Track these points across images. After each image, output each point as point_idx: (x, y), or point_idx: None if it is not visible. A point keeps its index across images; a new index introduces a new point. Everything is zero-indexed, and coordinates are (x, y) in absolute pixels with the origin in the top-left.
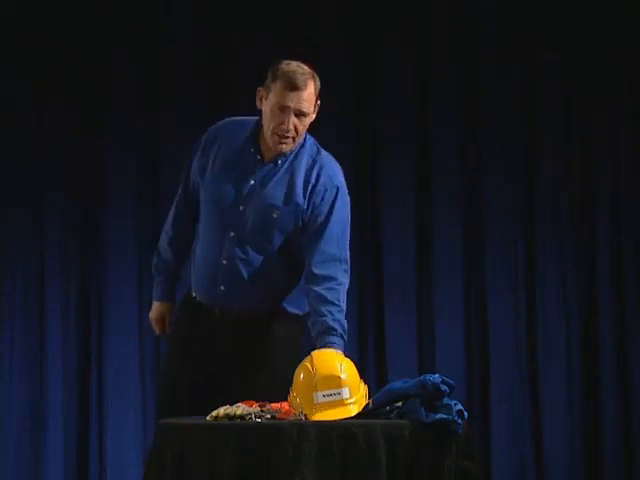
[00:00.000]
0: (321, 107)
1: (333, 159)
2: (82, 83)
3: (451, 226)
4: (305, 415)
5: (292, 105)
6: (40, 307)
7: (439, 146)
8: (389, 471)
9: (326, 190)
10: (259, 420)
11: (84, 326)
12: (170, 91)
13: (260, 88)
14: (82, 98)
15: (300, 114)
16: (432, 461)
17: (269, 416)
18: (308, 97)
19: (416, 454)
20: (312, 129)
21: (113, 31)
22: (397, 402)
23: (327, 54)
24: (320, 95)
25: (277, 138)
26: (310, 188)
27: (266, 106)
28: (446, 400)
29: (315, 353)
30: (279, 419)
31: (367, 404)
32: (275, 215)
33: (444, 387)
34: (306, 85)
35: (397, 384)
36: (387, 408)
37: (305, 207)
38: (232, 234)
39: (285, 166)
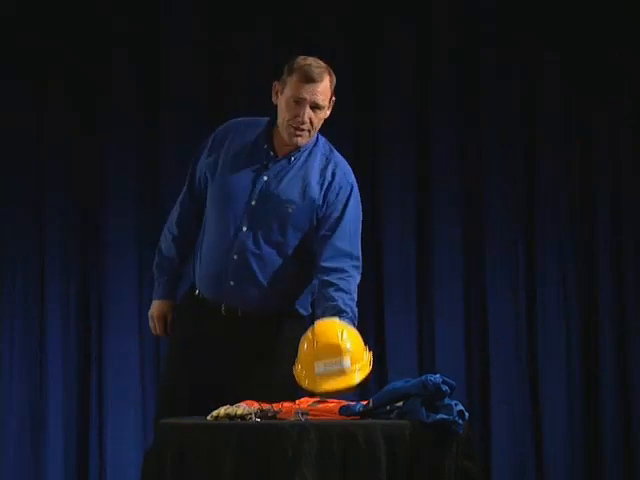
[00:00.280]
0: None
1: (344, 159)
2: (82, 83)
3: (451, 226)
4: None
5: (308, 97)
6: (40, 307)
7: (439, 146)
8: (389, 471)
9: (341, 187)
10: (259, 420)
11: (84, 326)
12: (170, 91)
13: (276, 82)
14: (82, 98)
15: (315, 107)
16: (432, 461)
17: (269, 416)
18: (323, 90)
19: (416, 454)
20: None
21: (113, 31)
22: (398, 402)
23: (327, 54)
24: (335, 92)
25: (292, 130)
26: (326, 185)
27: (282, 100)
28: (447, 400)
29: (318, 323)
30: (279, 419)
31: (367, 403)
32: (290, 210)
33: (445, 387)
34: (322, 78)
35: (398, 383)
36: (388, 408)
37: (320, 203)
38: (244, 229)
39: (299, 163)
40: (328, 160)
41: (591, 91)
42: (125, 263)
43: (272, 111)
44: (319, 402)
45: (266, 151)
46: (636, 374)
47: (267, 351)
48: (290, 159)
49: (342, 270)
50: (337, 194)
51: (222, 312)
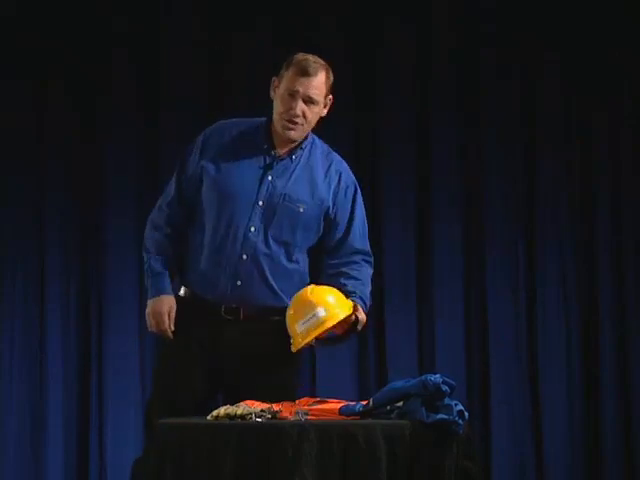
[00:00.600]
0: None
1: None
2: (82, 83)
3: (451, 226)
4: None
5: (301, 90)
6: (40, 307)
7: (439, 146)
8: (389, 471)
9: (347, 187)
10: (259, 420)
11: (84, 326)
12: (170, 91)
13: (274, 78)
14: (82, 98)
15: (309, 101)
16: (432, 461)
17: (269, 416)
18: (317, 85)
19: (416, 454)
20: (313, 128)
21: (113, 31)
22: (398, 402)
23: (327, 54)
24: (333, 91)
25: (286, 123)
26: (334, 185)
27: (277, 94)
28: (447, 400)
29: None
30: (279, 419)
31: (367, 403)
32: (302, 209)
33: (445, 387)
34: (317, 72)
35: (398, 383)
36: (388, 408)
37: (330, 204)
38: (253, 229)
39: (301, 162)
40: (329, 159)
41: (591, 91)
42: (125, 263)
43: (269, 111)
44: (319, 402)
45: (267, 150)
46: (636, 374)
47: (268, 352)
48: (292, 158)
49: (354, 262)
50: (345, 194)
51: (221, 313)
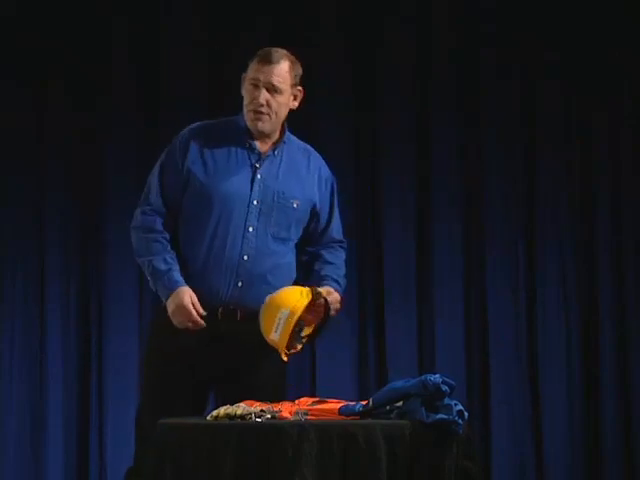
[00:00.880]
0: (321, 107)
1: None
2: (82, 83)
3: (451, 226)
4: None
5: (262, 78)
6: (40, 307)
7: (439, 146)
8: (389, 471)
9: (327, 180)
10: (259, 420)
11: (84, 326)
12: (170, 91)
13: (243, 74)
14: (82, 98)
15: (272, 89)
16: (432, 461)
17: (269, 416)
18: (280, 72)
19: (416, 454)
20: (313, 128)
21: (113, 31)
22: (398, 402)
23: (327, 54)
24: (301, 82)
25: (252, 115)
26: (317, 179)
27: (244, 88)
28: (447, 400)
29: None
30: (279, 419)
31: (367, 403)
32: (296, 205)
33: (445, 387)
34: (278, 60)
35: (398, 383)
36: (387, 408)
37: (317, 199)
38: (251, 229)
39: (283, 157)
40: (307, 153)
41: (591, 91)
42: (125, 263)
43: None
44: (319, 402)
45: (250, 148)
46: (636, 374)
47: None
48: (275, 153)
49: (330, 247)
50: (326, 187)
51: (218, 316)
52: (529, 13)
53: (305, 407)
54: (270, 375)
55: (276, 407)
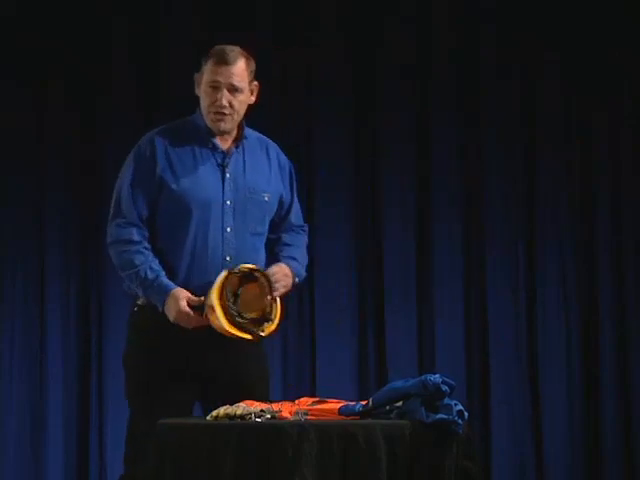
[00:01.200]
0: (321, 107)
1: None
2: (82, 83)
3: (451, 226)
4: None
5: (222, 80)
6: (40, 307)
7: (439, 146)
8: (389, 471)
9: (286, 167)
10: (259, 420)
11: (84, 326)
12: (170, 91)
13: (196, 74)
14: (82, 98)
15: (233, 89)
16: (432, 461)
17: (269, 416)
18: (238, 72)
19: (416, 454)
20: (312, 127)
21: (113, 31)
22: (397, 402)
23: (327, 54)
24: (257, 77)
25: (213, 116)
26: (278, 168)
27: (201, 89)
28: (447, 400)
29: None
30: (279, 419)
31: (367, 403)
32: (267, 198)
33: (445, 387)
34: (235, 60)
35: (398, 383)
36: (387, 408)
37: (282, 188)
38: (229, 229)
39: (245, 152)
40: (264, 143)
41: (591, 91)
42: None
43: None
44: (319, 402)
45: (212, 148)
46: (636, 374)
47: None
48: (237, 149)
49: (290, 230)
50: (285, 174)
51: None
52: (529, 13)
53: (305, 407)
54: (254, 374)
55: (276, 407)
